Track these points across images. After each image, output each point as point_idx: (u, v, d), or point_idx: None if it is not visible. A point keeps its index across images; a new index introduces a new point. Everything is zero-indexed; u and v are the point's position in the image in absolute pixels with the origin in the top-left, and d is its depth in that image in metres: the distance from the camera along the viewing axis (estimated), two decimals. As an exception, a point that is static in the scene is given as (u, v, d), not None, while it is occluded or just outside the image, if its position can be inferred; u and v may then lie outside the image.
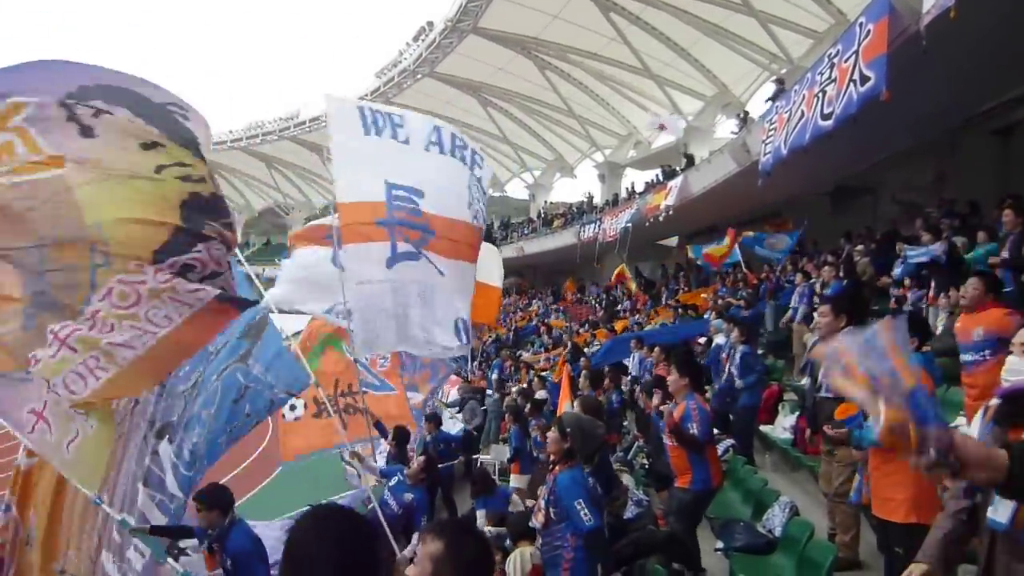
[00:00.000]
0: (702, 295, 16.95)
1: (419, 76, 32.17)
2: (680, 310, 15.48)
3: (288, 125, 42.95)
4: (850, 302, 5.08)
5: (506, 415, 10.42)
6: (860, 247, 11.43)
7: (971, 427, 2.43)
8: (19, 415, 2.95)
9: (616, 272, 21.46)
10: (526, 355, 20.34)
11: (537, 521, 4.22)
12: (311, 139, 42.78)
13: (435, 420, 10.09)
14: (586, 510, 3.91)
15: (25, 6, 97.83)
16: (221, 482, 5.10)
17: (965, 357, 4.83)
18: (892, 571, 3.92)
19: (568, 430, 4.17)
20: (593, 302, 25.36)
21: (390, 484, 6.69)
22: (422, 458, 6.90)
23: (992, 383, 4.63)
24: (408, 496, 6.48)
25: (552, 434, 4.22)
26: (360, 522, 1.84)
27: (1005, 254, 6.77)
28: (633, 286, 21.32)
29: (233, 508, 4.86)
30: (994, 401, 2.39)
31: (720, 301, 13.88)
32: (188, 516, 4.62)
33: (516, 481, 8.39)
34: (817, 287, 10.07)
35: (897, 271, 9.11)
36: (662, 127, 24.97)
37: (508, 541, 5.14)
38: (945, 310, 7.19)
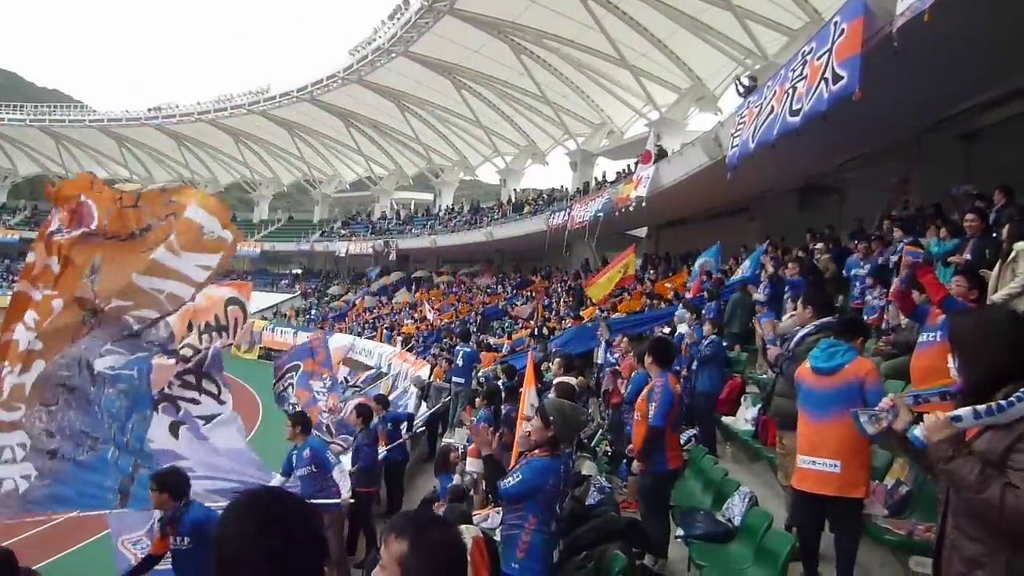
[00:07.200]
0: (666, 284, 17.03)
1: (393, 55, 31.69)
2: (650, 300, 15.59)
3: (258, 99, 41.50)
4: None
5: (476, 399, 10.34)
6: (821, 245, 11.62)
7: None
8: None
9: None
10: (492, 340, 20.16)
11: None
12: (281, 114, 41.78)
13: (383, 402, 10.12)
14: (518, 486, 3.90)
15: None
16: None
17: (920, 338, 5.02)
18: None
19: (551, 417, 4.11)
20: (560, 291, 25.16)
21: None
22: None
23: (930, 365, 4.77)
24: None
25: (535, 422, 4.15)
26: (289, 502, 1.62)
27: (967, 256, 6.90)
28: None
29: (187, 492, 4.76)
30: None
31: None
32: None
33: (472, 465, 8.32)
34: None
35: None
36: None
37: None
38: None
